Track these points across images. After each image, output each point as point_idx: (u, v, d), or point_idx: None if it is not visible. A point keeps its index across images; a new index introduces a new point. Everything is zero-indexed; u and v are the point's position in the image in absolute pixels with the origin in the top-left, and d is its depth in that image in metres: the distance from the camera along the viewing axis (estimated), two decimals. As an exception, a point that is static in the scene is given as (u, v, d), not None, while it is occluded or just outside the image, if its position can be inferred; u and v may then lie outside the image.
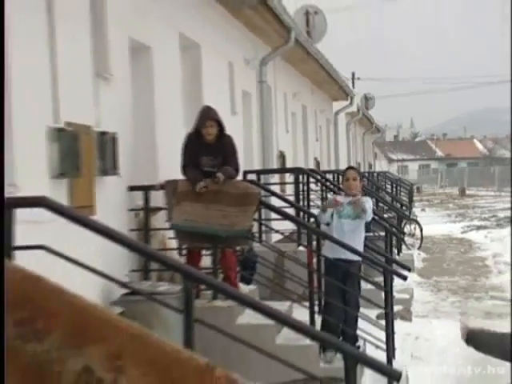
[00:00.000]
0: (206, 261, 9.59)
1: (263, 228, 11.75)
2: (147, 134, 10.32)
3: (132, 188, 9.38)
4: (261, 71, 16.78)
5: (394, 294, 9.59)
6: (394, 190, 29.67)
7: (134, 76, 9.88)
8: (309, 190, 14.24)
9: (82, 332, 2.90)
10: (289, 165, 19.13)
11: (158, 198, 9.46)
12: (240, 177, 10.00)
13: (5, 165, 6.54)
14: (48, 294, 2.95)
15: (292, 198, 12.99)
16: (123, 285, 6.42)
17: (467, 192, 62.34)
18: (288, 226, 11.92)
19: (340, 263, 9.00)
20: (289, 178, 15.31)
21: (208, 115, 9.40)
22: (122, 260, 8.32)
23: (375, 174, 31.89)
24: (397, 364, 8.52)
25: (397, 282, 9.55)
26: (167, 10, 10.86)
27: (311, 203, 14.02)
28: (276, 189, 13.70)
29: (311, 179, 14.60)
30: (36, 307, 2.92)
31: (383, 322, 9.26)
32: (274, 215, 11.01)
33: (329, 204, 9.36)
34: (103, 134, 8.35)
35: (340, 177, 15.80)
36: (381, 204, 20.52)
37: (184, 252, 9.39)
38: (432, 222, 32.09)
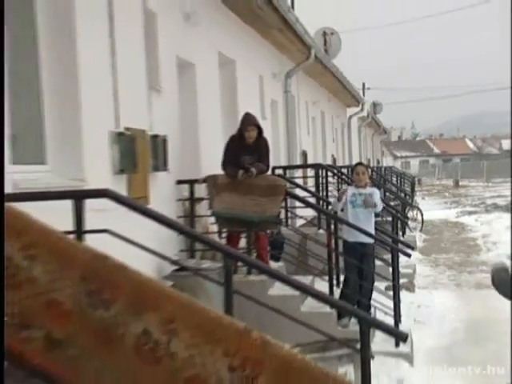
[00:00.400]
0: (242, 242, 9.60)
1: (289, 214, 11.72)
2: (191, 136, 10.35)
3: (179, 182, 9.40)
4: (286, 83, 16.81)
5: (400, 269, 9.53)
6: (399, 182, 29.49)
7: (180, 88, 9.90)
8: (327, 182, 14.19)
9: (141, 301, 2.91)
10: (310, 161, 19.06)
11: (201, 190, 9.47)
12: (269, 172, 9.97)
13: (74, 164, 6.64)
14: (113, 270, 2.97)
15: (313, 189, 12.97)
16: (173, 262, 6.44)
17: (460, 183, 61.81)
18: (310, 212, 11.94)
19: (358, 246, 9.05)
20: (310, 172, 15.25)
21: (250, 121, 9.40)
22: (172, 242, 8.33)
23: (383, 169, 31.74)
24: (403, 327, 8.49)
25: (402, 259, 9.50)
26: (208, 32, 10.86)
27: (329, 193, 13.96)
28: (299, 181, 13.66)
29: (329, 173, 14.56)
30: (103, 280, 2.94)
31: (391, 293, 9.25)
32: (298, 203, 11.00)
33: (340, 196, 9.41)
34: (155, 136, 8.38)
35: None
36: (388, 194, 20.40)
37: (223, 235, 9.41)
38: (431, 209, 31.89)
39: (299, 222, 12.86)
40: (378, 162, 48.94)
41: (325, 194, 13.58)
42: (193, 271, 7.02)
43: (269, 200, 8.93)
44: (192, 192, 9.41)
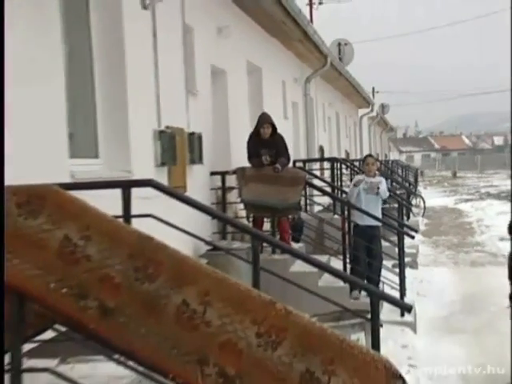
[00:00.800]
0: (267, 225, 9.60)
1: (308, 201, 11.70)
2: (223, 133, 10.36)
3: (212, 173, 9.42)
4: (305, 87, 16.78)
5: (405, 249, 9.47)
6: (404, 173, 29.25)
7: (213, 92, 9.91)
8: (341, 173, 14.15)
9: (181, 276, 2.92)
10: (326, 155, 19.01)
11: (231, 181, 9.48)
12: (290, 164, 9.97)
13: (122, 158, 6.67)
14: (156, 249, 2.97)
15: (329, 180, 12.94)
16: (208, 243, 6.47)
17: (457, 174, 61.41)
18: (326, 200, 11.92)
19: (367, 228, 9.02)
20: (326, 164, 15.22)
21: (265, 119, 9.42)
22: (206, 225, 8.35)
23: (390, 162, 31.53)
24: (407, 300, 8.43)
25: (406, 240, 9.43)
26: (238, 43, 10.85)
27: (343, 183, 13.93)
28: (317, 173, 13.62)
29: (343, 166, 14.56)
30: (148, 258, 2.94)
31: (397, 270, 9.20)
32: (315, 192, 10.97)
33: (356, 182, 9.38)
34: (192, 134, 8.39)
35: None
36: (394, 183, 20.28)
37: (251, 219, 9.41)
38: (432, 197, 31.73)
39: (317, 208, 12.84)
40: (386, 156, 48.62)
41: (339, 183, 13.54)
42: (224, 251, 7.04)
43: (291, 189, 8.93)
44: (223, 182, 9.41)
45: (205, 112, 9.36)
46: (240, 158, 9.74)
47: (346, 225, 9.52)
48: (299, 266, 8.21)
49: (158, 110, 7.39)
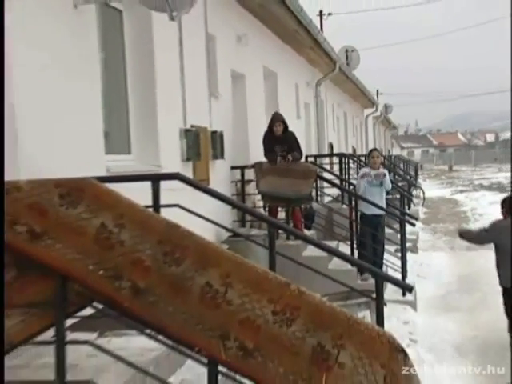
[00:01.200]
0: (281, 214, 9.59)
1: (319, 193, 11.67)
2: (242, 132, 10.36)
3: (233, 167, 9.43)
4: (316, 89, 16.72)
5: (406, 235, 9.43)
6: (405, 167, 29.07)
7: (233, 94, 9.91)
8: (349, 167, 14.11)
9: (205, 260, 2.91)
10: (335, 151, 18.95)
11: (249, 174, 9.48)
12: (303, 159, 9.94)
13: (152, 154, 6.68)
14: (182, 235, 2.96)
15: (337, 173, 12.89)
16: (228, 230, 6.46)
17: (453, 168, 61.00)
18: (335, 191, 11.86)
19: (372, 217, 9.02)
20: (335, 159, 15.14)
21: (277, 118, 9.47)
22: (227, 214, 8.36)
23: (392, 157, 31.42)
24: (408, 281, 8.40)
25: (408, 227, 9.39)
26: (255, 50, 10.83)
27: (350, 176, 13.88)
28: (327, 167, 13.58)
29: (350, 160, 14.51)
30: (175, 244, 2.94)
31: (399, 254, 9.16)
32: (325, 184, 10.93)
33: (363, 175, 9.37)
34: (214, 132, 8.38)
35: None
36: (396, 176, 20.16)
37: (267, 209, 9.40)
38: (430, 188, 31.52)
39: (327, 199, 12.79)
40: (389, 152, 48.35)
41: (347, 176, 13.49)
42: (244, 237, 7.04)
43: (303, 182, 8.91)
44: (243, 175, 9.42)
45: (226, 112, 9.36)
46: (257, 154, 9.74)
47: (353, 213, 9.49)
48: (311, 251, 8.19)
49: (184, 110, 7.40)
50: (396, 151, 66.19)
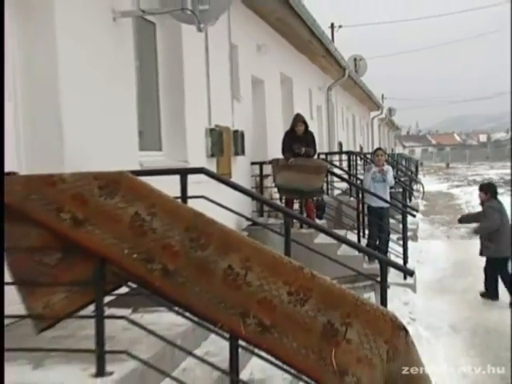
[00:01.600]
0: (296, 206, 9.56)
1: (329, 186, 11.61)
2: (261, 131, 10.34)
3: (252, 163, 9.41)
4: (327, 94, 16.68)
5: (407, 225, 9.36)
6: (407, 164, 28.82)
7: (253, 97, 9.89)
8: (356, 164, 14.03)
9: (227, 245, 2.90)
10: (344, 149, 18.86)
11: (267, 169, 9.46)
12: (316, 156, 9.90)
13: (180, 150, 6.68)
14: (207, 223, 2.96)
15: (346, 169, 12.83)
16: (248, 219, 6.42)
17: (450, 165, 60.37)
18: (344, 185, 11.79)
19: (378, 209, 9.01)
20: (344, 156, 15.07)
21: (299, 118, 9.41)
22: (247, 205, 8.34)
23: (395, 155, 31.14)
24: (409, 266, 8.34)
25: (409, 218, 9.31)
26: (273, 58, 10.80)
27: (358, 172, 13.80)
28: (337, 163, 13.52)
29: (357, 157, 14.44)
30: (200, 231, 2.93)
31: (401, 242, 9.09)
32: (335, 179, 10.87)
33: (368, 169, 9.36)
34: (236, 131, 8.36)
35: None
36: (399, 172, 20.00)
37: (283, 200, 9.38)
38: (429, 183, 31.18)
39: (336, 192, 12.74)
40: (392, 150, 47.99)
41: (354, 172, 13.41)
42: (262, 225, 6.98)
43: (315, 176, 8.87)
44: (261, 170, 9.39)
45: (246, 113, 9.34)
46: (274, 151, 9.72)
47: (360, 205, 9.45)
48: (322, 239, 8.14)
49: (209, 111, 7.39)
50: (399, 150, 65.58)
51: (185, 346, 3.48)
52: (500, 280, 8.11)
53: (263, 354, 2.92)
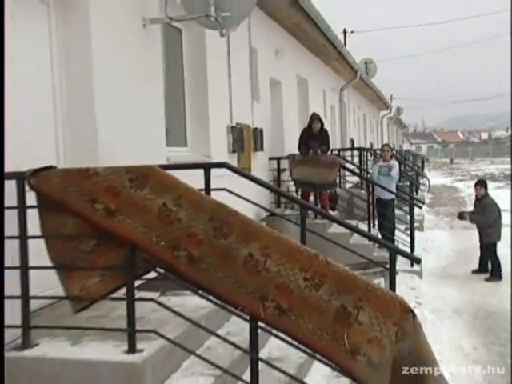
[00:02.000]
0: (311, 198, 9.51)
1: (342, 180, 11.52)
2: (278, 128, 10.28)
3: (270, 158, 9.36)
4: (340, 94, 16.53)
5: (414, 216, 9.27)
6: (414, 159, 28.53)
7: (272, 97, 9.84)
8: (367, 159, 13.91)
9: (247, 234, 2.88)
10: (356, 145, 18.71)
11: (284, 164, 9.41)
12: (329, 152, 9.85)
13: (204, 146, 6.67)
14: (229, 214, 2.94)
15: (357, 164, 12.73)
16: (267, 210, 6.40)
17: (454, 161, 59.66)
18: (355, 179, 11.71)
19: (385, 201, 9.07)
20: (355, 152, 14.95)
21: (315, 116, 9.36)
22: (265, 197, 8.33)
23: (403, 151, 30.83)
24: (416, 254, 8.24)
25: (416, 210, 9.21)
26: (290, 61, 10.73)
27: (368, 166, 13.69)
28: (349, 158, 13.43)
29: (368, 153, 14.32)
30: (223, 220, 2.91)
31: (408, 232, 9.02)
32: (347, 173, 10.79)
33: (375, 162, 9.36)
34: (255, 129, 8.34)
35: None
36: (406, 167, 19.81)
37: (299, 193, 9.33)
38: (435, 178, 30.78)
39: (348, 185, 12.65)
40: (400, 147, 47.51)
41: (365, 167, 13.31)
42: (279, 216, 6.99)
43: (329, 171, 8.81)
44: (279, 165, 9.35)
45: (265, 112, 9.29)
46: (291, 147, 9.67)
47: (370, 198, 9.39)
48: (335, 228, 8.10)
49: (231, 110, 7.36)
50: (406, 146, 64.92)
51: (208, 326, 3.48)
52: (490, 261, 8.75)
53: (281, 334, 2.90)
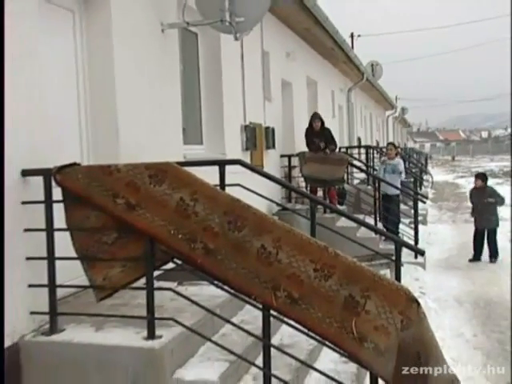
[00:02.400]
0: (320, 193, 9.47)
1: (349, 176, 11.46)
2: (289, 128, 10.26)
3: (282, 155, 9.34)
4: (348, 95, 16.43)
5: (418, 210, 9.21)
6: (417, 157, 28.26)
7: (283, 98, 9.79)
8: (373, 157, 13.80)
9: (260, 227, 2.86)
10: (362, 143, 18.58)
11: (295, 161, 9.38)
12: (337, 150, 9.80)
13: (219, 144, 6.66)
14: (243, 208, 2.92)
15: (364, 161, 12.65)
16: (278, 204, 6.39)
17: (455, 159, 59.10)
18: (362, 175, 11.65)
19: (390, 196, 9.05)
20: (363, 150, 14.85)
21: (315, 116, 9.38)
22: (277, 192, 8.31)
23: (407, 149, 30.59)
24: (420, 246, 8.21)
25: (420, 204, 9.17)
26: (300, 63, 10.67)
27: (374, 164, 13.60)
28: (356, 156, 13.34)
29: (374, 151, 14.22)
30: (237, 214, 2.90)
31: (413, 225, 8.96)
32: (355, 170, 10.73)
33: (382, 162, 9.29)
34: (267, 128, 8.32)
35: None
36: (411, 164, 19.62)
37: (309, 188, 9.30)
38: (437, 174, 30.60)
39: (356, 181, 12.57)
40: (405, 145, 47.18)
41: (371, 164, 13.22)
42: (290, 210, 6.94)
43: (337, 167, 8.79)
44: (289, 162, 9.33)
45: (276, 112, 9.26)
46: (301, 145, 9.64)
47: (376, 193, 9.34)
48: (343, 222, 8.07)
49: (244, 110, 7.35)
50: (410, 144, 64.36)
51: (223, 314, 3.47)
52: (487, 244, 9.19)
53: (292, 322, 2.89)
